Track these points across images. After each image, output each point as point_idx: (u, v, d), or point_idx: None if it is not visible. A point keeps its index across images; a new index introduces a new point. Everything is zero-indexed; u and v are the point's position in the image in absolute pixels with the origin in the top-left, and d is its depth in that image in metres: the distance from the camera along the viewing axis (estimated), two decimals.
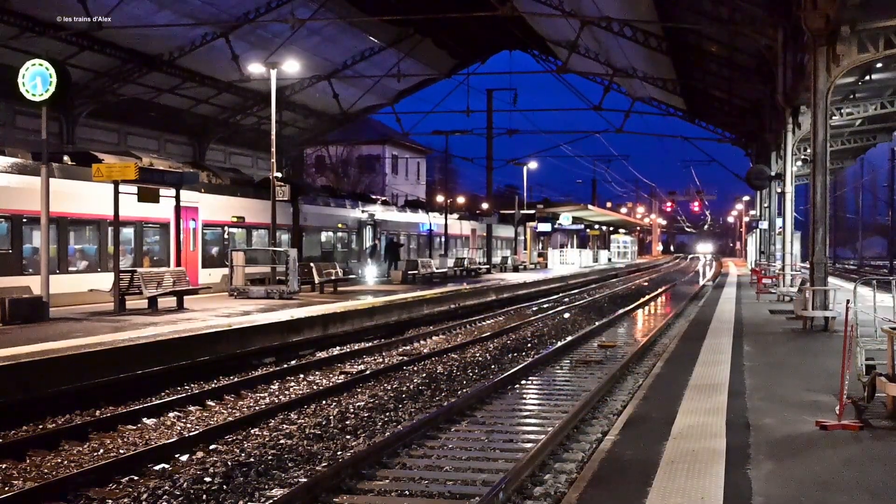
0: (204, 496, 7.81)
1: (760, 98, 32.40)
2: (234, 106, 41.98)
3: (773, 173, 30.05)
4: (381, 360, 16.65)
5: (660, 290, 40.41)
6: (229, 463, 8.85)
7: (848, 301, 9.15)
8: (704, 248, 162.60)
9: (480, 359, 16.63)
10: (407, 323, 22.07)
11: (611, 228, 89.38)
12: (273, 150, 25.45)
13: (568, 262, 61.95)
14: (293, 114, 44.96)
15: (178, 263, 21.23)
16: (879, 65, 21.77)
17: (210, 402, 12.28)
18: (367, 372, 14.73)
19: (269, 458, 9.10)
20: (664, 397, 9.88)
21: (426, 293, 25.46)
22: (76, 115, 33.86)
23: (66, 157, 21.94)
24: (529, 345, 18.96)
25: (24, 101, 16.58)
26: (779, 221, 30.10)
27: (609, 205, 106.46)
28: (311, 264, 25.85)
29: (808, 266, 17.40)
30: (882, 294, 13.51)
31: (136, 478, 8.46)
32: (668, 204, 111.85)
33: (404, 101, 49.32)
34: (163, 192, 20.46)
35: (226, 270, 24.06)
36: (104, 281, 19.47)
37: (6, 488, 8.18)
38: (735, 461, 6.93)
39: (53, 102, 16.54)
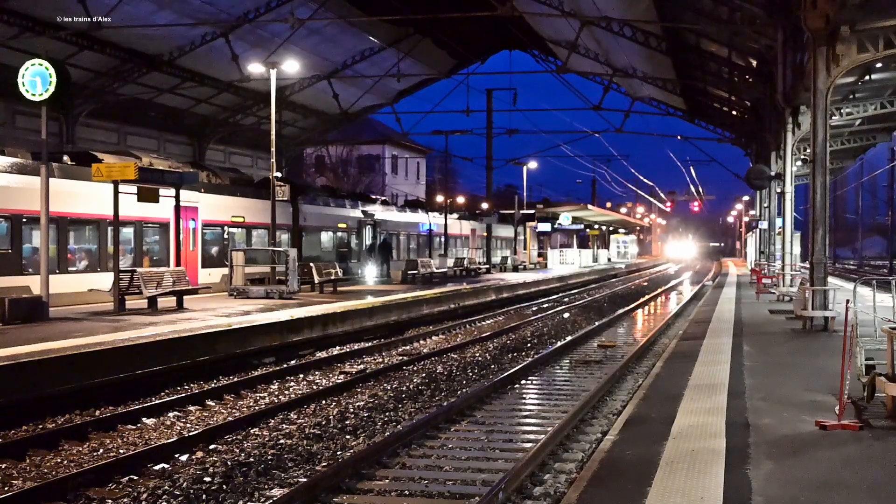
0: (204, 496, 7.81)
1: (760, 98, 32.37)
2: (233, 106, 41.97)
3: (772, 173, 30.02)
4: (380, 360, 16.65)
5: (659, 290, 40.44)
6: (229, 463, 8.85)
7: (848, 301, 9.15)
8: (679, 253, 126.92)
9: (480, 359, 16.62)
10: (406, 323, 22.07)
11: (611, 228, 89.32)
12: (273, 150, 25.45)
13: (568, 261, 61.93)
14: (293, 114, 44.95)
15: (178, 263, 21.23)
16: (879, 65, 21.76)
17: (210, 402, 12.28)
18: (367, 372, 14.74)
19: (269, 457, 9.10)
20: (664, 397, 9.88)
21: (426, 293, 25.45)
22: (76, 115, 33.85)
23: (65, 157, 21.94)
24: (529, 345, 18.96)
25: (24, 100, 16.58)
26: (778, 221, 30.10)
27: (609, 205, 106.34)
28: (311, 264, 25.85)
29: (808, 266, 17.40)
30: (882, 294, 13.49)
31: (135, 478, 8.46)
32: (668, 204, 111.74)
33: (404, 101, 49.34)
34: (162, 191, 20.47)
35: (226, 270, 24.05)
36: (104, 281, 19.47)
37: (6, 488, 8.18)
38: (735, 461, 6.93)
39: (53, 102, 16.53)
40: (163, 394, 12.73)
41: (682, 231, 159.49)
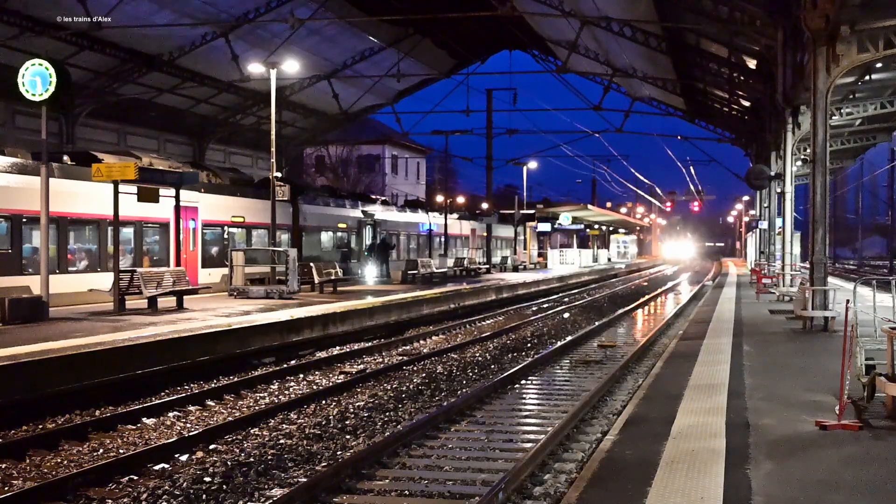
0: (204, 496, 7.81)
1: (760, 98, 32.38)
2: (233, 106, 41.98)
3: (772, 173, 30.03)
4: (380, 360, 16.65)
5: (659, 291, 40.44)
6: (229, 463, 8.85)
7: (848, 301, 9.15)
8: (677, 253, 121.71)
9: (480, 359, 16.62)
10: (407, 323, 22.07)
11: (611, 228, 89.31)
12: (273, 150, 25.44)
13: (568, 261, 61.93)
14: (293, 114, 44.96)
15: (178, 263, 21.24)
16: (879, 65, 21.76)
17: (210, 402, 12.28)
18: (367, 372, 14.74)
19: (269, 457, 9.10)
20: (664, 397, 9.88)
21: (426, 293, 25.45)
22: (76, 115, 33.86)
23: (65, 157, 21.95)
24: (529, 345, 18.96)
25: (24, 101, 16.59)
26: (778, 221, 30.10)
27: (609, 205, 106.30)
28: (311, 264, 25.84)
29: (808, 266, 17.40)
30: (882, 294, 13.49)
31: (135, 478, 8.46)
32: (668, 204, 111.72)
33: (404, 101, 49.36)
34: (163, 191, 20.47)
35: (226, 270, 24.06)
36: (104, 281, 19.47)
37: (6, 488, 8.18)
38: (735, 461, 6.93)
39: (53, 102, 16.54)
40: (163, 394, 12.73)
41: (682, 231, 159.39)
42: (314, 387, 13.54)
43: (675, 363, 12.82)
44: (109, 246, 20.54)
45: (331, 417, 11.07)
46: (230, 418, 11.05)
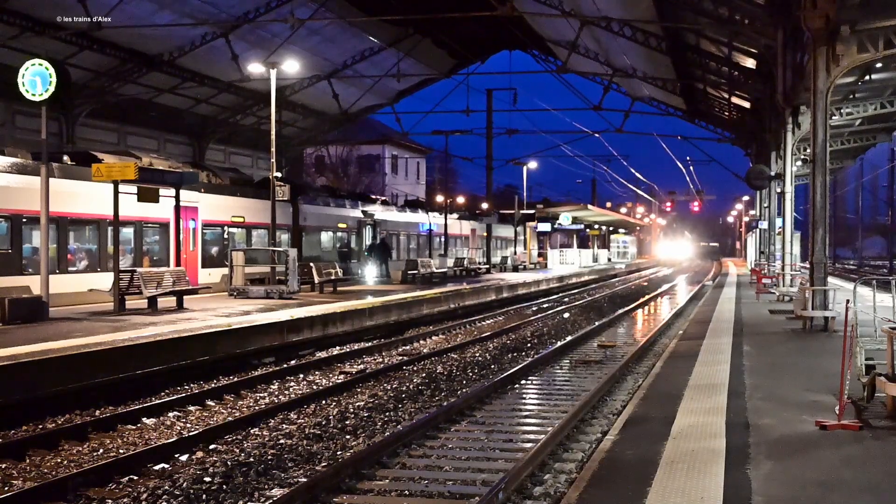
0: (204, 496, 7.81)
1: (760, 98, 32.38)
2: (233, 106, 41.97)
3: (772, 173, 30.02)
4: (380, 360, 16.65)
5: (659, 291, 40.44)
6: (229, 463, 8.85)
7: (848, 301, 9.15)
8: (675, 254, 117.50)
9: (480, 359, 16.62)
10: (406, 323, 22.07)
11: (610, 228, 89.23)
12: (273, 150, 25.44)
13: (568, 262, 61.92)
14: (293, 114, 44.96)
15: (178, 263, 21.24)
16: (879, 65, 21.76)
17: (210, 402, 12.28)
18: (367, 372, 14.74)
19: (269, 457, 9.10)
20: (664, 397, 9.88)
21: (426, 293, 25.45)
22: (76, 115, 33.85)
23: (65, 157, 21.94)
24: (529, 345, 18.96)
25: (24, 100, 16.59)
26: (778, 221, 30.10)
27: (609, 205, 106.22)
28: (311, 264, 25.84)
29: (808, 266, 17.40)
30: (882, 294, 13.50)
31: (135, 478, 8.46)
32: (668, 204, 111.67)
33: (404, 101, 49.35)
34: (162, 191, 20.47)
35: (226, 270, 24.06)
36: (104, 281, 19.47)
37: (6, 488, 8.18)
38: (735, 461, 6.93)
39: (53, 102, 16.55)
40: (163, 394, 12.73)
41: (682, 231, 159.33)
42: (314, 387, 13.54)
43: (675, 363, 12.82)
44: (109, 246, 20.53)
45: (331, 417, 11.08)
46: (230, 418, 11.05)
